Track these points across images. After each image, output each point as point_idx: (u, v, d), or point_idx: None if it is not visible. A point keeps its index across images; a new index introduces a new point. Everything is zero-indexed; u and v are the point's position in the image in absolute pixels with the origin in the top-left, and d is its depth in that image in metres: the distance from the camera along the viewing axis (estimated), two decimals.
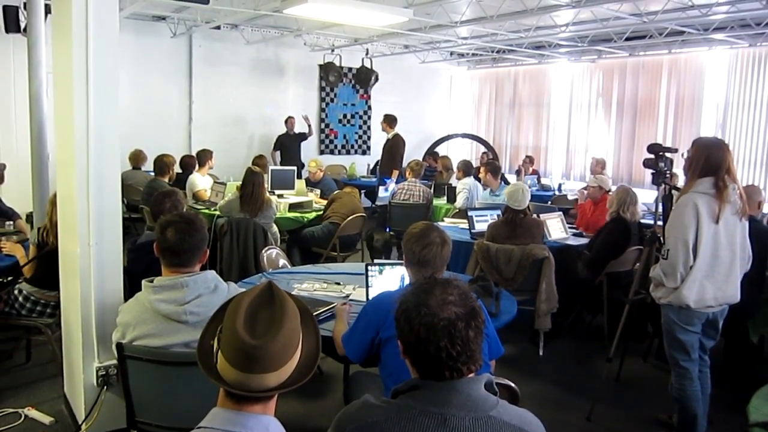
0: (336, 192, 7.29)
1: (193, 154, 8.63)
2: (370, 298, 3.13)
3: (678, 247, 3.15)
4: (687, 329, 3.27)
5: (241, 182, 5.90)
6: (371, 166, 11.98)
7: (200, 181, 7.45)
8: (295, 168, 8.18)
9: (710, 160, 3.16)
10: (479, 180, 7.61)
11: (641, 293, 4.00)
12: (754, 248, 3.41)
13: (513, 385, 2.35)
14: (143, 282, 2.50)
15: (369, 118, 12.70)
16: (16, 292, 4.00)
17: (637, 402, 4.24)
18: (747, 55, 9.28)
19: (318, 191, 7.96)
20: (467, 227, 5.85)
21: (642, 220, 5.43)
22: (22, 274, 4.19)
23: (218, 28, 10.13)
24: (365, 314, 2.65)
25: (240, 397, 1.46)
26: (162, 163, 6.97)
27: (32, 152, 6.00)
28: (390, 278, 3.36)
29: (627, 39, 9.47)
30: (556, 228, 5.71)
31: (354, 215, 6.54)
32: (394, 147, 9.45)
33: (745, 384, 3.58)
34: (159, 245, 2.52)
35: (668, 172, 3.76)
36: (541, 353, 4.98)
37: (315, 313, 3.09)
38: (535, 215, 5.36)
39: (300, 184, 7.90)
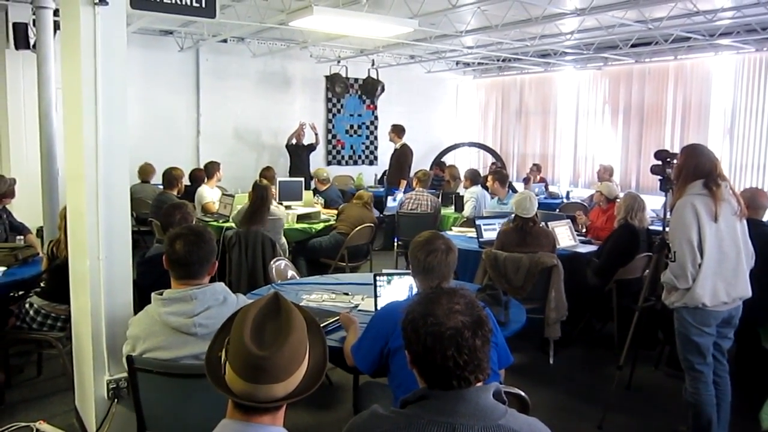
0: (344, 205, 7.31)
1: (202, 166, 8.69)
2: (379, 308, 3.13)
3: (683, 247, 3.20)
4: (702, 330, 3.28)
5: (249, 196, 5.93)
6: (378, 176, 12.01)
7: (208, 194, 7.49)
8: (302, 179, 8.21)
9: (700, 168, 3.27)
10: (487, 189, 7.61)
11: (651, 300, 3.99)
12: (761, 251, 3.44)
13: (523, 393, 2.35)
14: (152, 295, 2.51)
15: (376, 128, 12.74)
16: (27, 305, 4.03)
17: (648, 409, 4.21)
18: (753, 60, 9.26)
19: (323, 200, 8.00)
20: (475, 236, 5.85)
21: (651, 227, 5.42)
22: (33, 287, 4.23)
23: (225, 41, 10.21)
24: (374, 324, 2.65)
25: (248, 408, 1.47)
26: (171, 176, 7.01)
27: (42, 167, 6.06)
28: (398, 288, 3.36)
29: (632, 46, 9.48)
30: (564, 236, 5.70)
31: (362, 225, 6.55)
32: (402, 157, 9.48)
33: (758, 390, 3.56)
34: (168, 258, 2.54)
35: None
36: (551, 362, 4.95)
37: (323, 324, 3.11)
38: (543, 223, 5.34)
39: (308, 195, 7.93)
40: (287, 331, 1.47)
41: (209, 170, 7.70)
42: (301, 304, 3.56)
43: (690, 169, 3.29)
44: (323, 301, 3.70)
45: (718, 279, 3.22)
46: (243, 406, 1.47)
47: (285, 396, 1.48)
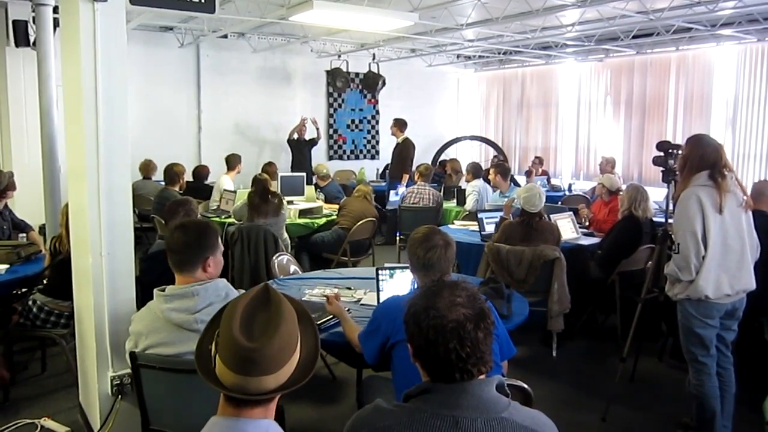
0: (345, 199, 7.32)
1: (204, 163, 8.82)
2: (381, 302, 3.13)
3: (687, 239, 3.18)
4: (705, 323, 3.27)
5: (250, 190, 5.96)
6: (380, 171, 11.99)
7: (227, 183, 7.69)
8: (304, 174, 8.23)
9: (705, 158, 3.24)
10: (488, 182, 7.60)
11: (654, 292, 3.99)
12: (765, 243, 3.43)
13: (526, 386, 2.35)
14: (155, 291, 2.52)
15: (377, 122, 12.72)
16: (30, 302, 4.03)
17: (652, 401, 4.21)
18: (755, 50, 9.22)
19: (323, 196, 8.02)
20: (477, 229, 5.85)
21: (654, 218, 5.41)
22: (36, 284, 4.23)
23: (225, 37, 10.19)
24: (375, 319, 2.66)
25: (239, 400, 1.46)
26: (172, 172, 7.01)
27: (43, 164, 6.06)
28: (401, 282, 3.36)
29: (634, 37, 9.44)
30: (566, 228, 5.68)
31: (364, 220, 6.55)
32: (404, 151, 9.49)
33: (760, 381, 3.56)
34: (166, 246, 2.57)
35: (678, 169, 3.75)
36: (554, 354, 4.96)
37: (326, 319, 3.10)
38: (545, 216, 5.33)
39: (309, 190, 7.94)
40: (277, 322, 1.46)
41: (231, 162, 8.10)
42: (303, 299, 3.57)
43: (695, 160, 3.26)
44: (326, 295, 3.69)
45: (721, 271, 3.21)
46: (234, 399, 1.46)
47: (277, 388, 1.47)
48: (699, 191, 3.19)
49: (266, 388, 1.45)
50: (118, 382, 3.17)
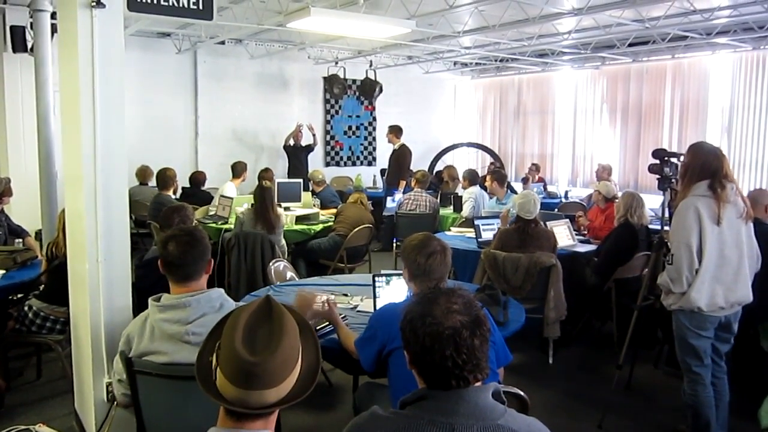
0: (341, 205, 7.34)
1: (201, 169, 8.84)
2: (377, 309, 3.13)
3: (681, 251, 3.16)
4: (699, 334, 3.26)
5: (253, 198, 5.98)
6: (378, 175, 11.97)
7: (230, 190, 7.73)
8: (301, 180, 8.24)
9: (706, 167, 3.21)
10: (485, 189, 7.61)
11: (650, 299, 3.99)
12: (762, 251, 3.42)
13: (522, 393, 2.35)
14: (150, 300, 2.49)
15: (374, 129, 12.73)
16: (26, 308, 4.02)
17: (648, 409, 4.21)
18: (750, 59, 9.27)
19: (318, 201, 8.04)
20: (474, 236, 5.85)
21: (650, 226, 5.42)
22: (32, 290, 4.22)
23: (222, 43, 10.21)
24: (371, 326, 2.67)
25: (240, 414, 1.45)
26: (165, 177, 7.00)
27: (40, 170, 6.05)
28: (397, 289, 3.36)
29: (630, 45, 9.48)
30: (562, 235, 5.69)
31: (360, 226, 6.55)
32: (401, 157, 9.51)
33: (756, 389, 3.56)
34: (163, 261, 2.51)
35: (674, 177, 3.76)
36: (550, 361, 4.96)
37: (321, 326, 3.09)
38: (541, 223, 5.34)
39: (306, 196, 7.95)
40: (279, 336, 1.46)
41: (237, 169, 8.24)
42: (291, 306, 3.56)
43: (696, 169, 3.23)
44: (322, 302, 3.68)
45: (716, 283, 3.19)
46: (235, 412, 1.46)
47: (278, 401, 1.46)
48: (698, 202, 3.16)
49: (267, 401, 1.45)
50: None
